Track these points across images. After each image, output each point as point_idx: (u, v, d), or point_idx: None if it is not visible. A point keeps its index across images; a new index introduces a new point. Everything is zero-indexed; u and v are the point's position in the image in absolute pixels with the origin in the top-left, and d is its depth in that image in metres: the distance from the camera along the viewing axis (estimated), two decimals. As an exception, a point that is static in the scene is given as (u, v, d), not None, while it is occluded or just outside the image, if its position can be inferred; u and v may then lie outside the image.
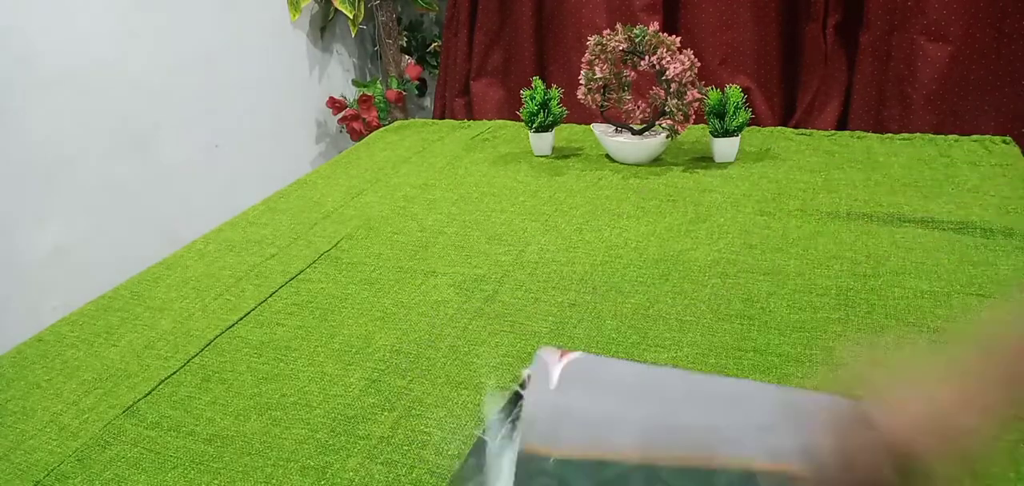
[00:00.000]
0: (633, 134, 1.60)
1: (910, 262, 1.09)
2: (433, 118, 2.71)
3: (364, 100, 2.54)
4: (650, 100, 1.57)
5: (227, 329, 1.08)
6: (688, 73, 1.48)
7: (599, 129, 1.64)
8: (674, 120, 1.52)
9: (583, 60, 1.57)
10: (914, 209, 1.25)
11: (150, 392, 0.95)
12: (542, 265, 1.19)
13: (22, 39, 1.68)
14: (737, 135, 1.54)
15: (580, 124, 1.88)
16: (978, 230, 1.16)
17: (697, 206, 1.35)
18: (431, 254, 1.26)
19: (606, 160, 1.65)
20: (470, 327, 1.03)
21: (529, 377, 0.68)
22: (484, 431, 0.80)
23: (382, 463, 0.80)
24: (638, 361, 0.77)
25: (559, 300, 1.08)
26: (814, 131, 1.72)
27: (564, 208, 1.40)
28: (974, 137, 1.56)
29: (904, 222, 1.21)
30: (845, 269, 1.09)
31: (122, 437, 0.88)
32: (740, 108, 1.51)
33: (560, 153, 1.72)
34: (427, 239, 1.32)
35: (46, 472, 0.83)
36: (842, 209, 1.28)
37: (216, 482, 0.79)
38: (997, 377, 0.48)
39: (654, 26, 1.51)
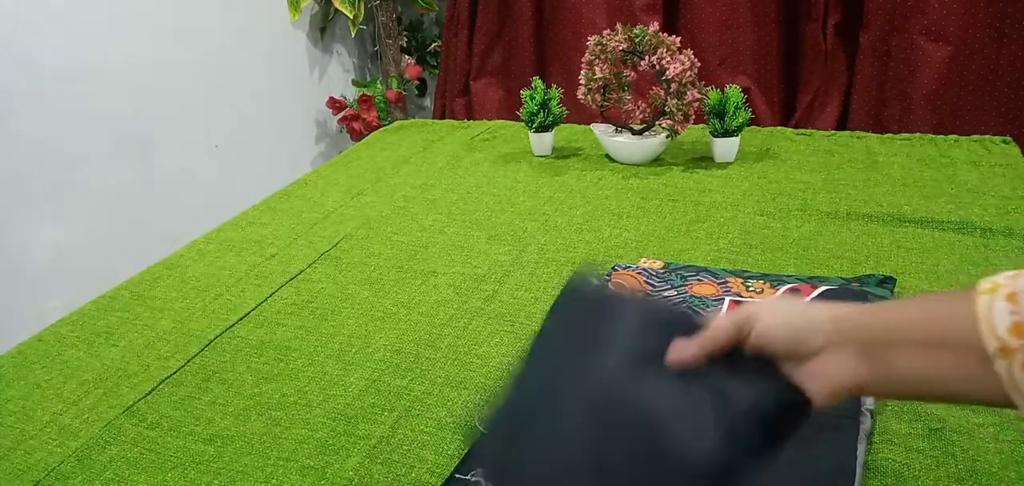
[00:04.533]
0: (633, 134, 1.60)
1: (910, 262, 1.09)
2: (433, 118, 2.71)
3: (364, 100, 2.54)
4: (650, 100, 1.57)
5: (227, 329, 1.08)
6: (688, 73, 1.48)
7: (599, 129, 1.64)
8: (674, 120, 1.52)
9: (583, 60, 1.56)
10: (914, 209, 1.25)
11: (150, 392, 0.95)
12: (542, 265, 1.19)
13: (22, 41, 1.68)
14: (737, 135, 1.54)
15: (580, 124, 1.88)
16: (978, 230, 1.16)
17: (697, 206, 1.35)
18: (431, 254, 1.26)
19: (606, 160, 1.64)
20: (470, 327, 1.03)
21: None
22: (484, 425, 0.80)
23: (382, 463, 0.80)
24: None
25: (559, 300, 1.07)
26: (814, 131, 1.72)
27: (564, 208, 1.40)
28: (974, 137, 1.56)
29: (904, 222, 1.21)
30: (845, 269, 1.09)
31: (122, 437, 0.88)
32: (740, 108, 1.51)
33: (560, 153, 1.72)
34: (427, 239, 1.32)
35: (46, 472, 0.83)
36: (842, 209, 1.28)
37: (216, 482, 0.79)
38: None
39: (654, 26, 1.51)
